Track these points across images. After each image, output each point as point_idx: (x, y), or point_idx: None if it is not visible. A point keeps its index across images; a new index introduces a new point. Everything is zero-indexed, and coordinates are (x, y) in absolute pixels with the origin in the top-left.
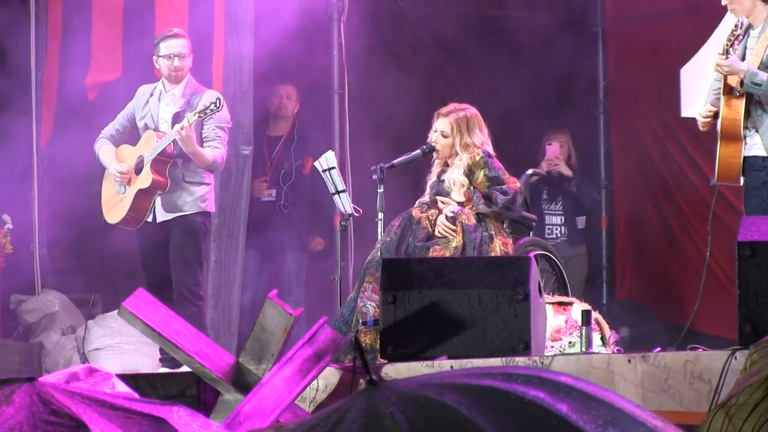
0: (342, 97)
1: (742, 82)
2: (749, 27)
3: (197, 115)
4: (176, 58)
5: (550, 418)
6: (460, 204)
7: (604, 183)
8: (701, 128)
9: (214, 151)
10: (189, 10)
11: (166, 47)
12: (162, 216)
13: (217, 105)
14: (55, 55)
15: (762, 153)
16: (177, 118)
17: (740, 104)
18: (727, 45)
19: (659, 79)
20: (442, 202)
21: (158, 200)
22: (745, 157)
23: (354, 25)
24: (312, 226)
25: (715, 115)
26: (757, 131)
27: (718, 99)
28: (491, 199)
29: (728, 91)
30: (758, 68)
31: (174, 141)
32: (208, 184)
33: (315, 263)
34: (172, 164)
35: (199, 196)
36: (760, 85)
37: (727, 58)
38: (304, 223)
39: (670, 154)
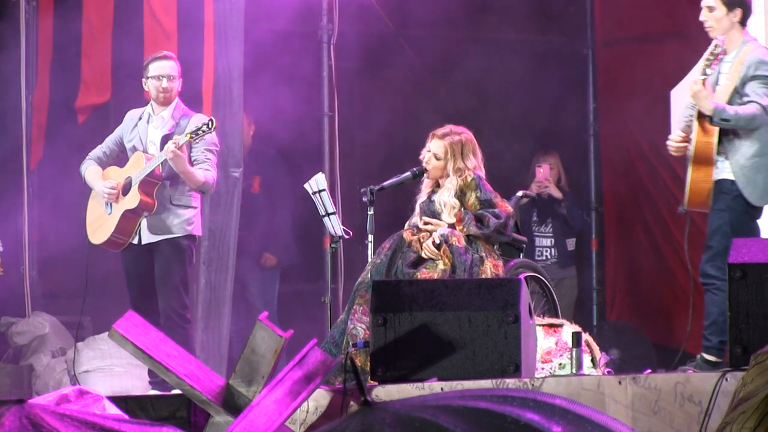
0: (332, 119)
1: (711, 119)
2: (725, 51)
3: (188, 136)
4: (165, 79)
5: None
6: (450, 226)
7: (594, 205)
8: (673, 153)
9: (206, 172)
10: (178, 34)
11: (155, 68)
12: (147, 238)
13: (210, 126)
14: (46, 78)
15: (731, 177)
16: (166, 140)
17: (714, 129)
18: (706, 65)
19: (649, 101)
20: (428, 223)
21: (144, 222)
22: (714, 181)
23: (344, 47)
24: (265, 243)
25: (687, 141)
26: (727, 158)
27: (689, 126)
28: (483, 222)
29: (703, 114)
30: (732, 95)
31: (163, 163)
32: (195, 208)
33: (304, 285)
34: (160, 186)
35: (185, 219)
36: (729, 120)
37: (704, 82)
38: (254, 242)
39: (660, 176)
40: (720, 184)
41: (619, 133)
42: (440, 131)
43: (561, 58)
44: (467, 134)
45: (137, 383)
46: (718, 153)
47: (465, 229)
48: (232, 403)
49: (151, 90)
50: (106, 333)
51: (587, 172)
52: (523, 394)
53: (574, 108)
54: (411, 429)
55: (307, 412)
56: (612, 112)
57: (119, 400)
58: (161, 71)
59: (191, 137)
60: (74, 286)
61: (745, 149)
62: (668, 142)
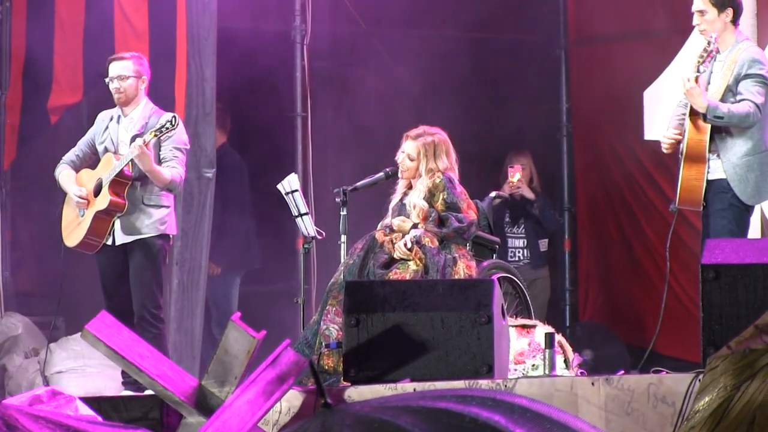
0: (305, 119)
1: (704, 116)
2: (718, 50)
3: (153, 134)
4: (116, 80)
5: None
6: (415, 225)
7: (567, 206)
8: (665, 150)
9: (172, 170)
10: (149, 32)
11: (110, 70)
12: (121, 239)
13: (173, 123)
14: (18, 77)
15: (724, 175)
16: (134, 140)
17: (707, 126)
18: (699, 62)
19: (622, 101)
20: (401, 221)
21: (117, 223)
22: (709, 181)
23: (317, 47)
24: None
25: (679, 140)
26: (718, 156)
27: (681, 124)
28: (445, 224)
29: (695, 112)
30: (724, 93)
31: (132, 162)
32: (168, 207)
33: (277, 286)
34: (131, 186)
35: (158, 219)
36: (722, 117)
37: (697, 79)
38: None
39: (633, 176)
40: (715, 184)
41: (592, 133)
42: (413, 132)
43: (533, 57)
44: (441, 135)
45: (110, 384)
46: (710, 151)
47: (425, 225)
48: (205, 404)
49: (111, 91)
50: (79, 334)
51: (560, 173)
52: (484, 393)
53: (547, 107)
54: (370, 430)
55: (280, 412)
56: (585, 112)
57: (92, 401)
58: (113, 72)
59: (156, 135)
60: (47, 287)
61: (737, 148)
62: (662, 139)
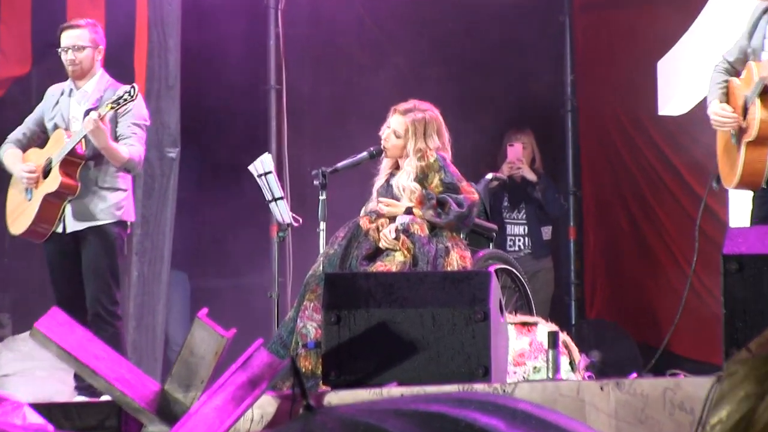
0: (279, 93)
1: None
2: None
3: (109, 106)
4: (70, 51)
5: None
6: (408, 211)
7: (572, 189)
8: (718, 128)
9: (131, 148)
10: None
11: (62, 40)
12: (73, 226)
13: (131, 94)
14: None
15: None
16: (90, 114)
17: None
18: (752, 30)
19: (633, 73)
20: (386, 204)
21: (68, 208)
22: None
23: (293, 13)
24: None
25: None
26: None
27: (725, 95)
28: (444, 208)
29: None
30: None
31: (86, 139)
32: (125, 190)
33: (248, 278)
34: (84, 166)
35: (113, 204)
36: None
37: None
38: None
39: (645, 157)
40: None
41: (599, 109)
42: (403, 106)
43: (535, 24)
44: (432, 112)
45: (62, 388)
46: None
47: (423, 213)
48: (168, 411)
49: (64, 63)
50: (28, 332)
51: (564, 152)
52: (484, 397)
53: (550, 80)
54: None
55: (252, 420)
56: (591, 85)
57: (42, 408)
58: (67, 42)
59: (112, 107)
60: None
61: None
62: (714, 116)
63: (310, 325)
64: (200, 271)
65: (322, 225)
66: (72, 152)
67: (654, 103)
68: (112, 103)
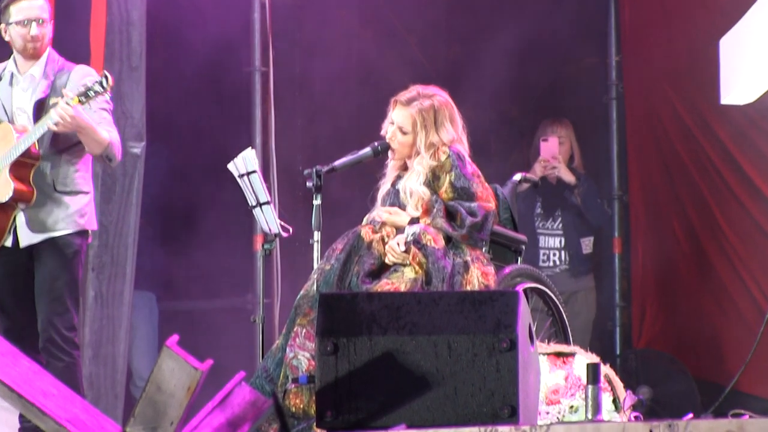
0: (266, 76)
1: None
2: None
3: (77, 99)
4: (33, 24)
5: None
6: (414, 220)
7: (617, 193)
8: None
9: (109, 133)
10: None
11: (18, 11)
12: (28, 239)
13: (104, 85)
14: None
15: None
16: (40, 106)
17: None
18: None
19: (690, 54)
20: (389, 213)
21: (21, 218)
22: None
23: None
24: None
25: None
26: None
27: None
28: (455, 218)
29: None
30: None
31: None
32: (87, 193)
33: (229, 300)
34: (38, 169)
35: (75, 211)
36: None
37: None
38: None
39: (705, 154)
40: None
41: (650, 97)
42: (404, 96)
43: None
44: (441, 96)
45: (4, 431)
46: None
47: (431, 223)
48: None
49: (16, 40)
50: None
51: (608, 148)
52: None
53: (591, 62)
54: None
55: None
56: (640, 68)
57: None
58: (27, 14)
59: (81, 101)
60: None
61: None
62: None
63: (302, 355)
64: (169, 291)
65: (317, 235)
66: (26, 153)
67: (716, 90)
68: (80, 96)
